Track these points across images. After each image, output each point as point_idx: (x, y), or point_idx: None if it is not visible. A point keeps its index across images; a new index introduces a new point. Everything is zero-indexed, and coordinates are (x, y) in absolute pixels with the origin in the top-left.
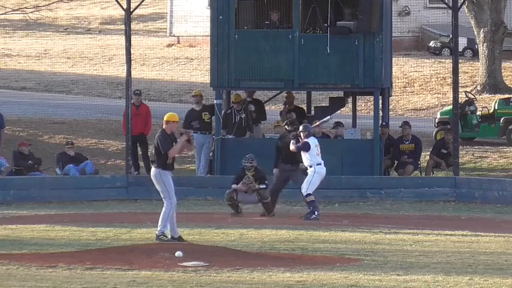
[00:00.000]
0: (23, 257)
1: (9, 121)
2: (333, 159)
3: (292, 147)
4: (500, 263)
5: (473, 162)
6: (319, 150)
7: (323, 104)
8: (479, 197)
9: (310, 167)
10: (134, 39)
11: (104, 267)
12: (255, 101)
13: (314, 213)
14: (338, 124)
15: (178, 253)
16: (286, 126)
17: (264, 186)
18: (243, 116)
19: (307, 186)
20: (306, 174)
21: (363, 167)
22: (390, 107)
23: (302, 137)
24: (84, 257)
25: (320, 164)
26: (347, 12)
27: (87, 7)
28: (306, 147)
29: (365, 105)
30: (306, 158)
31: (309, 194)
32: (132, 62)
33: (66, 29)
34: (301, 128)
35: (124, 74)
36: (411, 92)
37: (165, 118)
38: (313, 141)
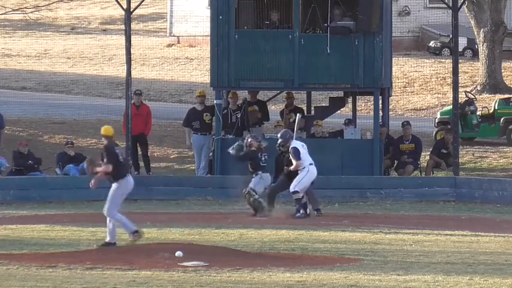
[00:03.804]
0: (23, 257)
1: (9, 121)
2: (333, 159)
3: (294, 167)
4: (500, 263)
5: (473, 162)
6: (306, 149)
7: (323, 104)
8: (479, 197)
9: (304, 168)
10: (134, 39)
11: (104, 267)
12: (258, 102)
13: (299, 211)
14: (350, 122)
15: (178, 253)
16: (280, 147)
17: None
18: (239, 116)
19: (296, 183)
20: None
21: (363, 167)
22: (390, 107)
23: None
24: (84, 257)
25: (312, 164)
26: (336, 13)
27: (87, 7)
28: (297, 154)
29: (365, 105)
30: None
31: (296, 192)
32: (132, 62)
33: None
34: (279, 135)
35: (124, 74)
36: (411, 92)
37: (105, 132)
38: (297, 144)
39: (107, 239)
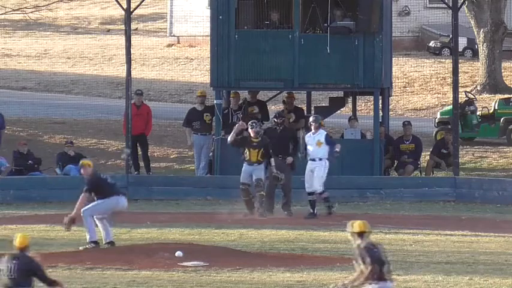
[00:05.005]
0: None
1: (9, 121)
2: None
3: (338, 150)
4: (500, 263)
5: (473, 162)
6: None
7: (323, 104)
8: (479, 197)
9: (323, 159)
10: (134, 39)
11: (104, 267)
12: (258, 103)
13: (332, 208)
14: (353, 119)
15: (178, 253)
16: (274, 119)
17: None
18: (240, 116)
19: (322, 182)
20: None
21: (363, 167)
22: (390, 107)
23: (313, 128)
24: (84, 257)
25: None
26: (337, 14)
27: (87, 7)
28: (332, 140)
29: (365, 105)
30: (324, 150)
31: (324, 191)
32: (132, 62)
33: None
34: (311, 118)
35: (124, 74)
36: (411, 92)
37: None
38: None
39: (106, 240)
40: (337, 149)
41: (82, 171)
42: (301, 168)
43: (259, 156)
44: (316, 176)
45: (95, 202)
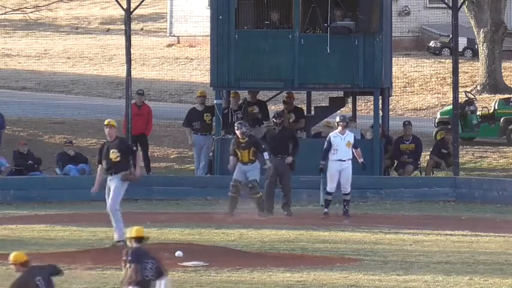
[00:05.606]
0: None
1: (9, 121)
2: None
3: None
4: (500, 263)
5: (473, 162)
6: None
7: (323, 104)
8: (479, 197)
9: (350, 159)
10: (134, 39)
11: (104, 267)
12: (258, 103)
13: (347, 213)
14: (353, 120)
15: (178, 253)
16: (273, 119)
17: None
18: (240, 116)
19: (349, 183)
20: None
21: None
22: (390, 107)
23: (340, 128)
24: (84, 257)
25: None
26: (337, 14)
27: (87, 7)
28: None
29: (365, 105)
30: (351, 150)
31: (349, 193)
32: (132, 62)
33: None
34: (339, 118)
35: (124, 74)
36: (411, 92)
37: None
38: None
39: (117, 238)
40: (363, 160)
41: (108, 130)
42: (301, 168)
43: (250, 155)
44: (347, 177)
45: (112, 192)
